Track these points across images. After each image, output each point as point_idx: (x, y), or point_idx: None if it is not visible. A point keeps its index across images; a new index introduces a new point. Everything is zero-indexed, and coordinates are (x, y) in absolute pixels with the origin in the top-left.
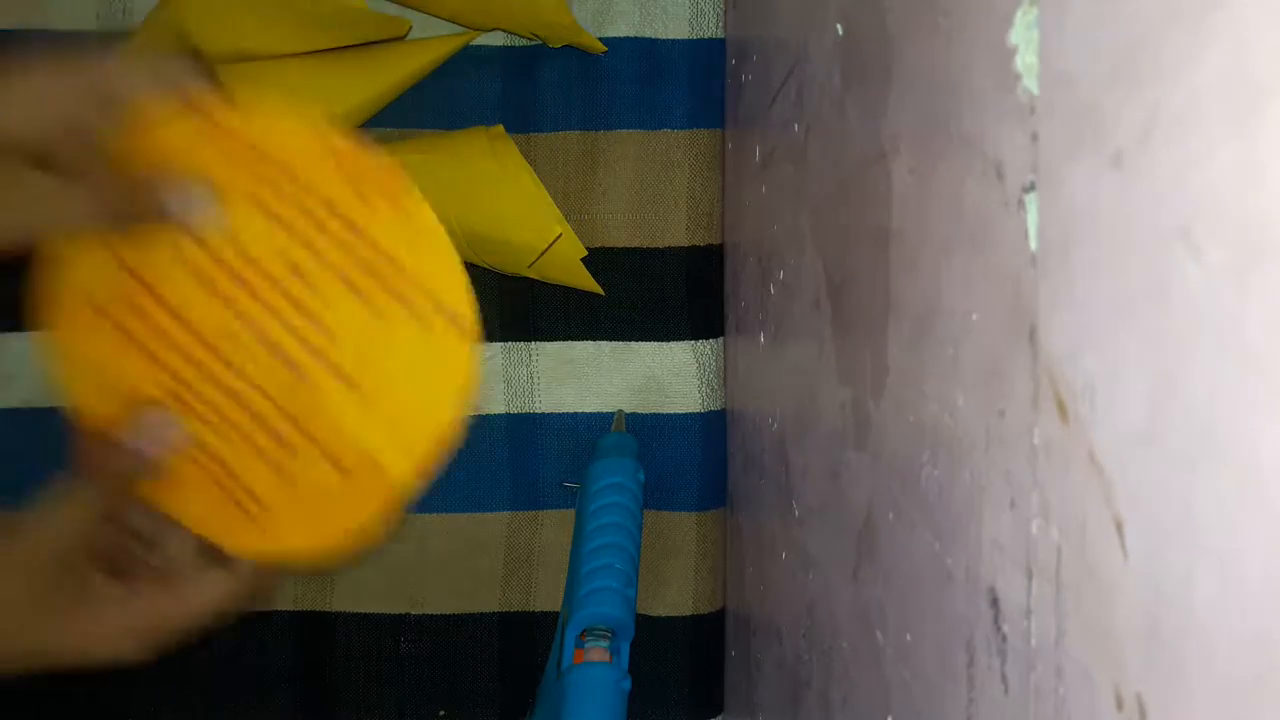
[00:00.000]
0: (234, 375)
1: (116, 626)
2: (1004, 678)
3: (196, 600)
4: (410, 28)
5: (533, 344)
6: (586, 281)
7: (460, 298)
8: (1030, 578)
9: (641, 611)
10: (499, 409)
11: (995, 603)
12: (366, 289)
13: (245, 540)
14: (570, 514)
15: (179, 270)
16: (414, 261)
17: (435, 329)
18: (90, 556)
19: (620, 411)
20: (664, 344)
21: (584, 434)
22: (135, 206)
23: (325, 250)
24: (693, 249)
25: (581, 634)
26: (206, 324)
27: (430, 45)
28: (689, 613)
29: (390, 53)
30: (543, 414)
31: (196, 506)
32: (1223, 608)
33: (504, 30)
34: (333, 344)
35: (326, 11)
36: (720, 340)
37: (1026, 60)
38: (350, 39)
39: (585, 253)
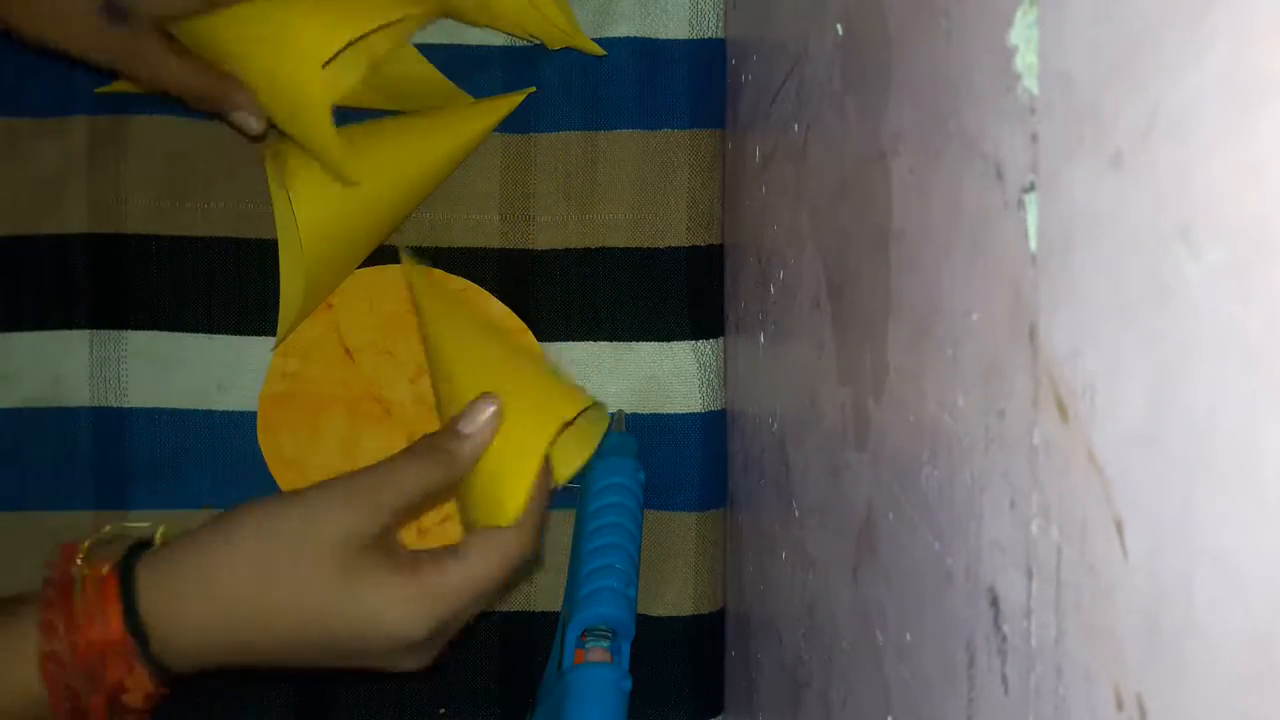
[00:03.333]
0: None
1: (414, 599)
2: (1004, 678)
3: (495, 561)
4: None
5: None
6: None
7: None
8: (1030, 578)
9: (641, 611)
10: None
11: (995, 603)
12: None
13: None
14: (570, 514)
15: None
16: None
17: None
18: (380, 542)
19: (620, 411)
20: (664, 344)
21: None
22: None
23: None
24: (693, 249)
25: (582, 634)
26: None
27: (488, 107)
28: (689, 613)
29: (449, 117)
30: None
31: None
32: (1223, 608)
33: (503, 31)
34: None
35: (397, 76)
36: (720, 340)
37: (1026, 60)
38: (416, 105)
39: None
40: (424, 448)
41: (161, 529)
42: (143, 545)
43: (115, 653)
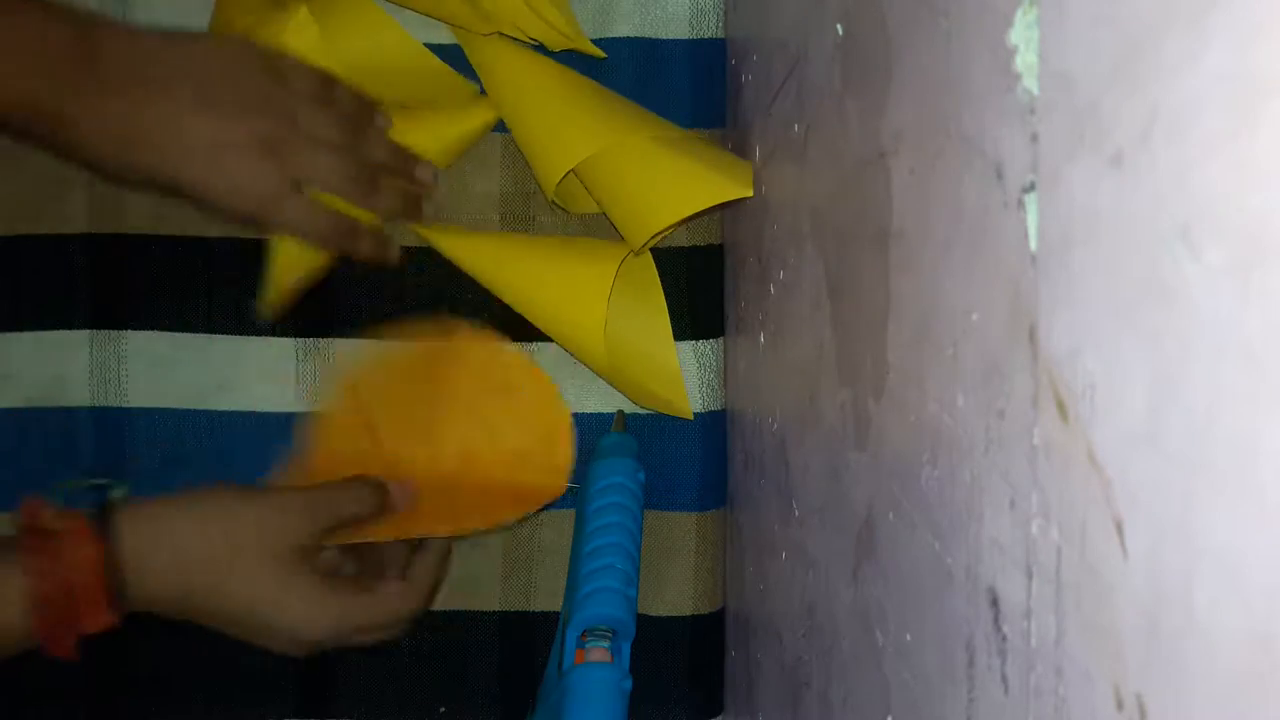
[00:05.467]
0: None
1: (321, 613)
2: (1004, 678)
3: (385, 606)
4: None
5: (533, 344)
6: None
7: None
8: (1030, 578)
9: (641, 611)
10: None
11: (995, 603)
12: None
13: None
14: (570, 514)
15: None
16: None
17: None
18: (312, 554)
19: (620, 411)
20: None
21: (584, 434)
22: None
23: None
24: (693, 249)
25: (582, 634)
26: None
27: (488, 105)
28: (689, 613)
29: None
30: None
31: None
32: (1223, 608)
33: (504, 34)
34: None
35: (406, 67)
36: (720, 340)
37: (1026, 60)
38: (421, 96)
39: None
40: (362, 486)
41: (122, 490)
42: (106, 503)
43: (92, 591)
